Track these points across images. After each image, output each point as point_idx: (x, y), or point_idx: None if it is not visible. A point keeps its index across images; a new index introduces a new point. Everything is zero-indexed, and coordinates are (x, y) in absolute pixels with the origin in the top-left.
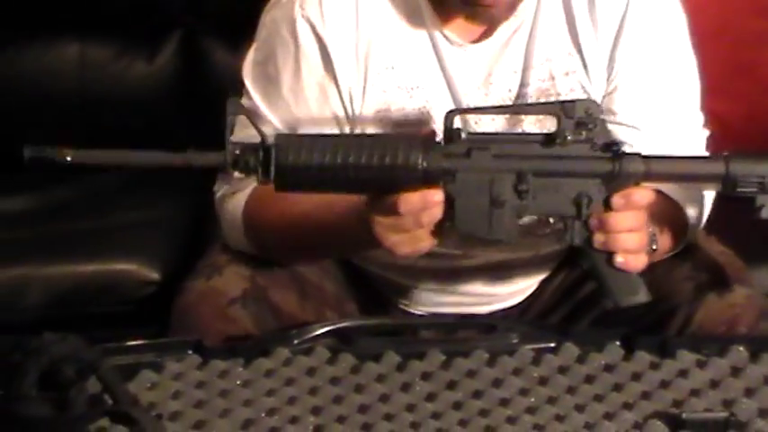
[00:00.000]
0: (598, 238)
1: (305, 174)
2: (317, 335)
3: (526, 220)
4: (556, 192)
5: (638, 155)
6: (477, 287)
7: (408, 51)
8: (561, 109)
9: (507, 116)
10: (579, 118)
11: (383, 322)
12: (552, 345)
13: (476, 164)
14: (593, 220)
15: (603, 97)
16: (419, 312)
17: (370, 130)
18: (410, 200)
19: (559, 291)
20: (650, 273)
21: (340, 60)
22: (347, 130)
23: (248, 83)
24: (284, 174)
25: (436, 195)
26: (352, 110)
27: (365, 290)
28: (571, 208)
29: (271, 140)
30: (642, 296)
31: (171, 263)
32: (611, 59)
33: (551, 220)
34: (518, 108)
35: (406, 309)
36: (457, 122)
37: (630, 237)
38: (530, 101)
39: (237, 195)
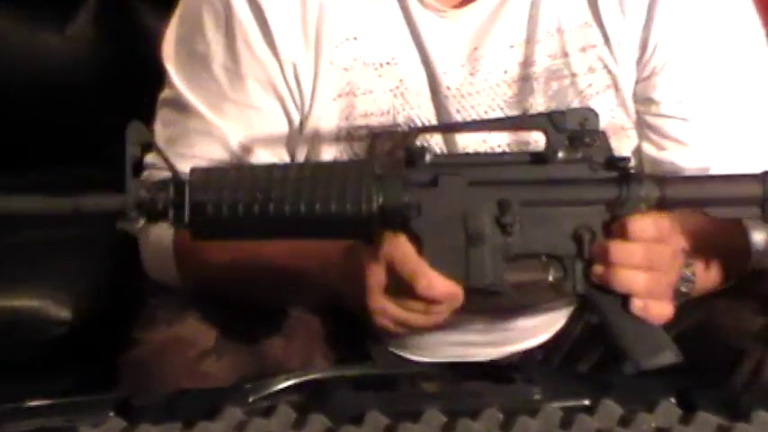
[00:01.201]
0: (596, 270)
1: (229, 218)
2: (281, 389)
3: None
4: (549, 225)
5: (651, 176)
6: (489, 323)
7: (374, 18)
8: (549, 121)
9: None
10: (573, 131)
11: (366, 372)
12: (587, 402)
13: (445, 193)
14: (595, 247)
15: (637, 83)
16: (414, 358)
17: (329, 123)
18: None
19: (596, 327)
20: (705, 307)
21: (279, 27)
22: (296, 123)
23: (170, 67)
24: (202, 218)
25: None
26: (301, 96)
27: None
28: (569, 245)
29: (184, 175)
30: (669, 355)
31: (86, 297)
32: (646, 33)
33: (545, 262)
34: (487, 124)
35: (397, 353)
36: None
37: (640, 276)
38: (536, 85)
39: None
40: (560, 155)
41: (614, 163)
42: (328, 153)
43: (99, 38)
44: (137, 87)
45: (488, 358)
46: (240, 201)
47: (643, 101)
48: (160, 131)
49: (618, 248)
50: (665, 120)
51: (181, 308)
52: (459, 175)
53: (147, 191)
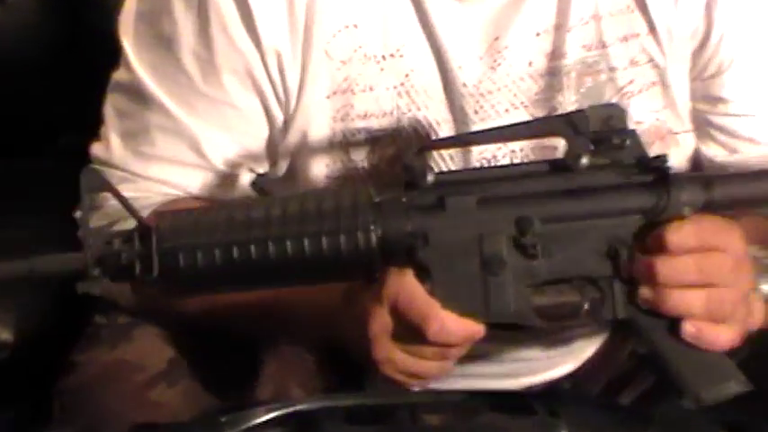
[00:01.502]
0: (643, 294)
1: (205, 266)
2: (262, 423)
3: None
4: (578, 242)
5: (694, 176)
6: (504, 351)
7: (377, 2)
8: (568, 123)
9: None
10: (597, 133)
11: (359, 402)
12: None
13: (454, 216)
14: (638, 264)
15: (698, 80)
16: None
17: (321, 125)
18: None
19: (635, 354)
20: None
21: (261, 9)
22: (279, 124)
23: (129, 46)
24: (173, 268)
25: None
26: (285, 91)
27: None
28: (604, 263)
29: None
30: (734, 386)
31: (30, 317)
32: (707, 21)
33: (578, 286)
34: (497, 134)
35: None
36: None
37: (695, 295)
38: (566, 80)
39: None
40: (584, 160)
41: (648, 164)
42: (318, 162)
43: (45, 6)
44: (90, 66)
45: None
46: (217, 244)
47: (708, 100)
48: (113, 121)
49: (666, 265)
50: (737, 119)
51: (128, 325)
52: (468, 194)
53: (109, 244)
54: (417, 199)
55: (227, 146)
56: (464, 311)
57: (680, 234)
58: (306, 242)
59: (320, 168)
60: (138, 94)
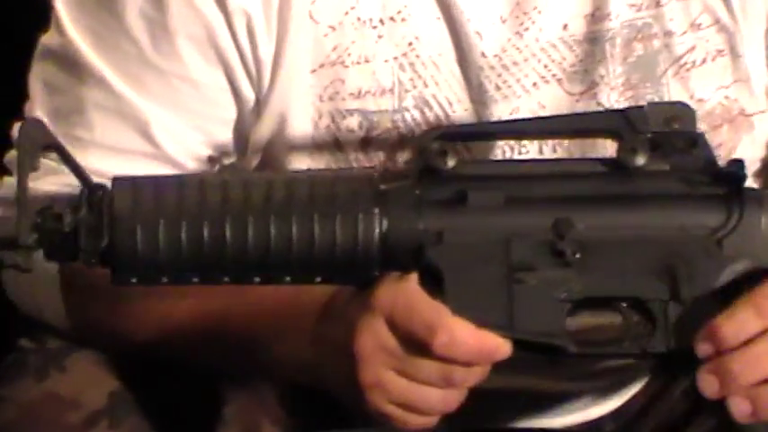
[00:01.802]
0: (706, 381)
1: (168, 252)
2: None
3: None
4: (626, 257)
5: None
6: (534, 383)
7: None
8: (624, 120)
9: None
10: (658, 134)
11: None
12: None
13: (477, 214)
14: (702, 337)
15: None
16: None
17: (303, 107)
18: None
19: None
20: None
21: None
22: (250, 104)
23: (61, 6)
24: (127, 252)
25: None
26: (257, 63)
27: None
28: (658, 285)
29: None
30: None
31: None
32: None
33: (624, 308)
34: (532, 126)
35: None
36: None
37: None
38: (610, 48)
39: None
40: (641, 159)
41: (719, 173)
42: (299, 153)
43: None
44: (12, 29)
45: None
46: (184, 219)
47: None
48: (40, 96)
49: (736, 360)
50: None
51: (60, 351)
52: (496, 190)
53: (49, 209)
54: (433, 191)
55: (184, 131)
56: (482, 323)
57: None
58: (293, 228)
59: (302, 160)
60: (72, 65)
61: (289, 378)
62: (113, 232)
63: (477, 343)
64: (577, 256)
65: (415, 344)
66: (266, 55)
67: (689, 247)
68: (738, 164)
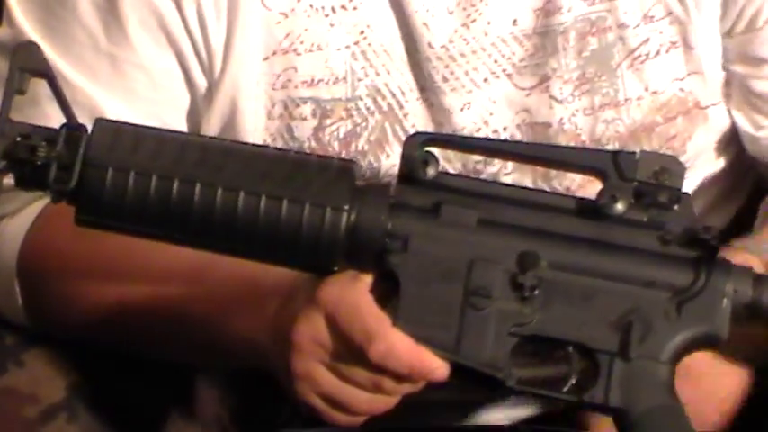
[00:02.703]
0: None
1: (134, 196)
2: None
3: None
4: (585, 303)
5: (743, 268)
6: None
7: None
8: (612, 162)
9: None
10: (644, 184)
11: None
12: None
13: (447, 228)
14: None
15: (729, 36)
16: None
17: (255, 95)
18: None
19: None
20: None
21: None
22: (202, 92)
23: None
24: (98, 184)
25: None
26: (208, 50)
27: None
28: (610, 336)
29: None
30: None
31: None
32: None
33: (571, 353)
34: (528, 149)
35: None
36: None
37: None
38: (563, 42)
39: (15, 219)
40: (619, 207)
41: (694, 236)
42: (253, 140)
43: None
44: None
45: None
46: (156, 173)
47: (746, 60)
48: None
49: None
50: None
51: (17, 347)
52: (470, 208)
53: (26, 138)
54: (409, 197)
55: (138, 119)
56: (427, 340)
57: None
58: (263, 200)
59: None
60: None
61: (242, 364)
62: (84, 173)
63: (413, 359)
64: (536, 292)
65: (351, 347)
66: (216, 42)
67: (649, 305)
68: (713, 231)
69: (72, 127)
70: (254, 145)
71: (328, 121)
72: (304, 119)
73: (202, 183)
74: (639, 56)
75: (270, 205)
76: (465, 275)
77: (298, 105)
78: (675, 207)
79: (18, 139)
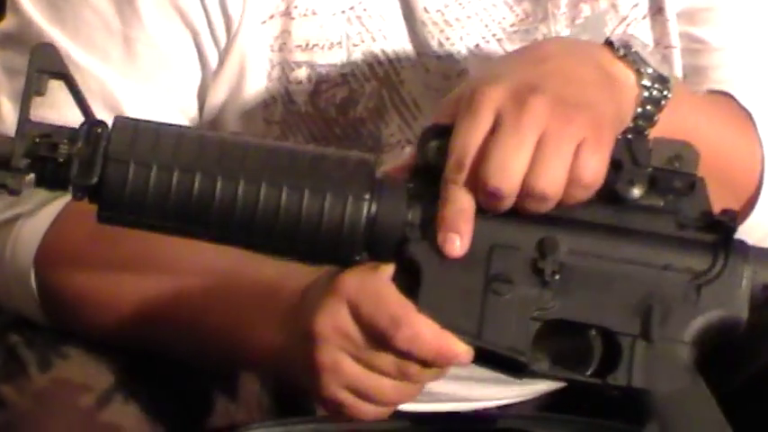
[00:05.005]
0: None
1: (156, 192)
2: None
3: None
4: (606, 288)
5: (763, 250)
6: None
7: None
8: (626, 149)
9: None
10: (659, 170)
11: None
12: None
13: None
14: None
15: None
16: None
17: (256, 58)
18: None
19: None
20: None
21: None
22: (212, 68)
23: None
24: (120, 182)
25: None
26: (227, 22)
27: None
28: (631, 319)
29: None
30: None
31: None
32: None
33: (593, 336)
34: None
35: None
36: None
37: None
38: (553, 8)
39: (32, 219)
40: (636, 191)
41: (712, 220)
42: (255, 101)
43: None
44: None
45: (499, 401)
46: (177, 167)
47: (685, 38)
48: (2, 80)
49: None
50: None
51: (59, 340)
52: None
53: (46, 137)
54: (426, 187)
55: (154, 103)
56: (450, 326)
57: None
58: (283, 195)
59: (257, 110)
60: (32, 43)
61: (260, 371)
62: (105, 170)
63: (439, 344)
64: (557, 277)
65: (376, 334)
66: (235, 9)
67: (668, 289)
68: (730, 214)
69: (92, 123)
70: (271, 140)
71: (324, 86)
72: (300, 83)
73: (223, 176)
74: (630, 23)
75: (291, 197)
76: (485, 262)
77: (293, 69)
78: (691, 192)
79: (38, 139)
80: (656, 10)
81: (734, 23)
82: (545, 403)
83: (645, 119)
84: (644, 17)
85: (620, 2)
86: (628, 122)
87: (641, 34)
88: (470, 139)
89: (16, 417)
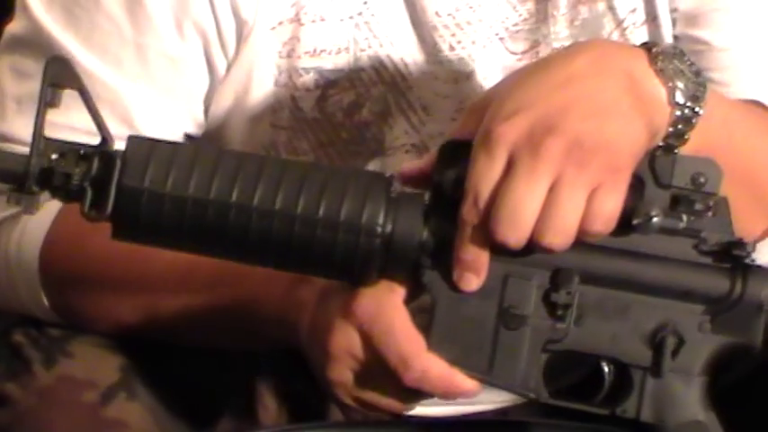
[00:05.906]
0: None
1: (170, 217)
2: None
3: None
4: (619, 317)
5: None
6: None
7: None
8: (650, 166)
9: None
10: (680, 189)
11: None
12: None
13: None
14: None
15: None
16: None
17: (264, 65)
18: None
19: None
20: None
21: None
22: (220, 75)
23: None
24: (134, 209)
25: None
26: (239, 25)
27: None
28: (643, 350)
29: (119, 144)
30: None
31: None
32: None
33: (605, 370)
34: None
35: None
36: None
37: None
38: (554, 10)
39: (37, 215)
40: (656, 218)
41: (730, 248)
42: (261, 107)
43: None
44: None
45: (499, 405)
46: (191, 194)
47: (686, 39)
48: (10, 85)
49: None
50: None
51: (61, 338)
52: None
53: (62, 158)
54: (443, 207)
55: (164, 110)
56: (459, 362)
57: None
58: (296, 226)
59: (263, 115)
60: (42, 48)
61: (272, 345)
62: (119, 198)
63: (447, 384)
64: (570, 310)
65: (386, 367)
66: (249, 14)
67: (683, 318)
68: (745, 242)
69: (106, 151)
70: (282, 159)
71: (331, 91)
72: (307, 89)
73: (237, 208)
74: (627, 27)
75: (306, 217)
76: (499, 293)
77: (301, 75)
78: (712, 213)
79: (54, 156)
80: (652, 17)
81: (736, 25)
82: (546, 407)
83: (676, 137)
84: (642, 23)
85: (618, 5)
86: (658, 142)
87: (638, 41)
88: (485, 181)
89: (21, 413)
